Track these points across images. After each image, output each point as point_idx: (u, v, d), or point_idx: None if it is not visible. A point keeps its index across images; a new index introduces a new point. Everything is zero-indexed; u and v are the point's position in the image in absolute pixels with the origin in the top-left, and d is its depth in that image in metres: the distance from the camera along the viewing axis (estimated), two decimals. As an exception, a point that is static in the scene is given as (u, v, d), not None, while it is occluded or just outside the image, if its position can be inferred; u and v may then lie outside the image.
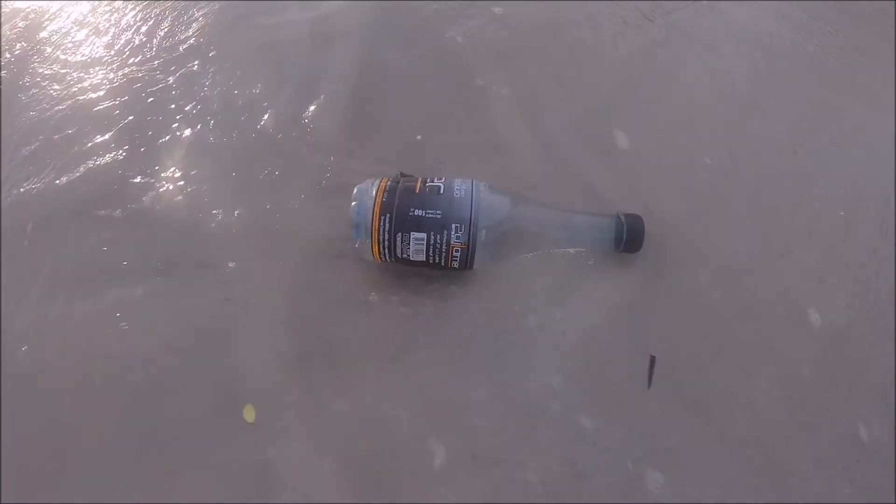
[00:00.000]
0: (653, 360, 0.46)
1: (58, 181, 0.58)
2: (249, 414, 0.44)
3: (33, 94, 0.66)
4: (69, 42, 0.72)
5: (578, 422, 0.44)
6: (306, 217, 0.55)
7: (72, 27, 0.74)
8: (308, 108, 0.63)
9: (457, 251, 0.44)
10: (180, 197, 0.57)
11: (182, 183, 0.58)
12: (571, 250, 0.49)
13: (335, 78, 0.65)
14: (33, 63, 0.69)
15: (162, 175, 0.58)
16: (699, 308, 0.49)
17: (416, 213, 0.44)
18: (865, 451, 0.42)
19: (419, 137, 0.60)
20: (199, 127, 0.62)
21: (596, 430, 0.44)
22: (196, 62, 0.67)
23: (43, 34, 0.73)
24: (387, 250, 0.45)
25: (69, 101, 0.65)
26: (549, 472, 0.42)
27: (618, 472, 0.42)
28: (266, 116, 0.62)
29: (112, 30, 0.73)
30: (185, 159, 0.59)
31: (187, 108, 0.63)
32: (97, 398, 0.46)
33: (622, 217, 0.48)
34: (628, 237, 0.47)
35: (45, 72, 0.68)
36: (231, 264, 0.52)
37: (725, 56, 0.70)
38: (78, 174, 0.58)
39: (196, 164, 0.59)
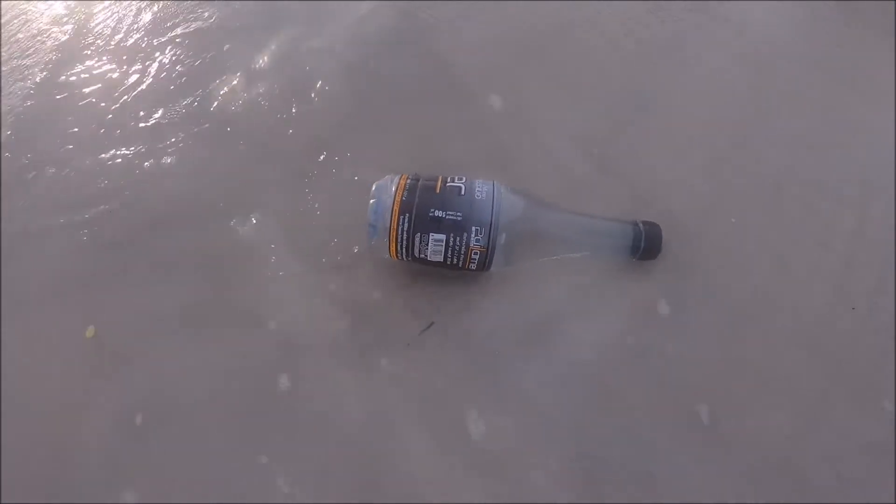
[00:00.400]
0: (431, 324, 0.47)
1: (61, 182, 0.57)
2: (90, 332, 0.48)
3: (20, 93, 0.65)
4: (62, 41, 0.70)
5: (584, 424, 0.44)
6: (315, 214, 0.54)
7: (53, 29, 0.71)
8: (308, 111, 0.62)
9: (475, 254, 0.43)
10: (181, 194, 0.56)
11: (183, 182, 0.57)
12: (587, 255, 0.49)
13: (336, 82, 0.65)
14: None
15: (164, 173, 0.58)
16: (709, 311, 0.49)
17: (436, 214, 0.43)
18: (868, 452, 0.44)
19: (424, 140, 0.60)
20: (204, 127, 0.61)
21: (599, 434, 0.44)
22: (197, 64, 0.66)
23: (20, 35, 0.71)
24: (404, 250, 0.44)
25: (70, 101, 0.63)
26: (555, 475, 0.42)
27: (617, 474, 0.43)
28: (269, 116, 0.62)
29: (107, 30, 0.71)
30: (186, 158, 0.59)
31: (193, 107, 0.63)
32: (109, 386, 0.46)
33: (640, 224, 0.48)
34: (646, 245, 0.47)
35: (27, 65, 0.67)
36: (236, 262, 0.52)
37: (726, 57, 0.70)
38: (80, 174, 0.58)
39: (199, 163, 0.59)
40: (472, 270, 0.45)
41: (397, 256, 0.45)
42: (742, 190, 0.57)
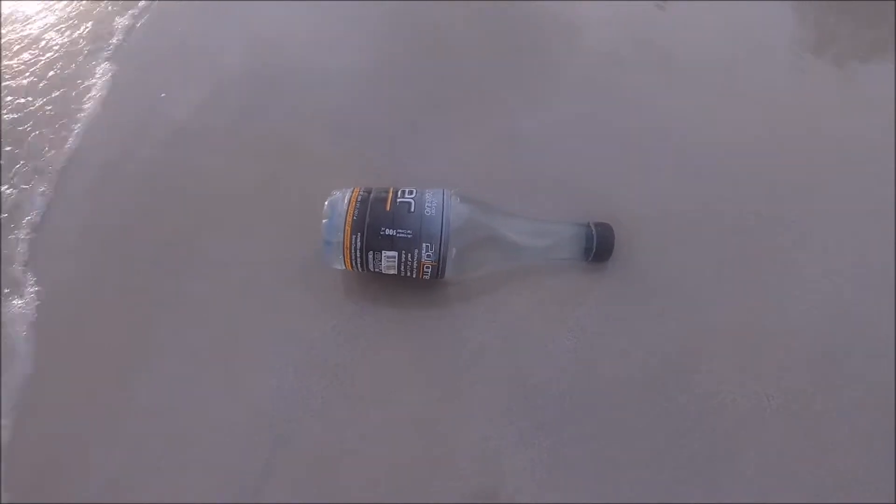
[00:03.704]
0: None
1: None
2: None
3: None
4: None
5: (572, 427, 0.44)
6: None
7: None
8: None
9: (427, 267, 0.45)
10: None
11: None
12: (541, 259, 0.50)
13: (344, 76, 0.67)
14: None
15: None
16: (689, 315, 0.49)
17: (387, 233, 0.43)
18: (865, 454, 0.43)
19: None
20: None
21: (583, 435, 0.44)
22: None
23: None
24: (358, 264, 0.46)
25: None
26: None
27: (596, 475, 0.43)
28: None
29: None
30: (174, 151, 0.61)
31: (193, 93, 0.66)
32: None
33: (592, 227, 0.48)
34: (598, 248, 0.47)
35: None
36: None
37: (723, 57, 0.68)
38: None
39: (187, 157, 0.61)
40: (426, 280, 0.47)
41: (352, 269, 0.47)
42: (738, 196, 0.56)
